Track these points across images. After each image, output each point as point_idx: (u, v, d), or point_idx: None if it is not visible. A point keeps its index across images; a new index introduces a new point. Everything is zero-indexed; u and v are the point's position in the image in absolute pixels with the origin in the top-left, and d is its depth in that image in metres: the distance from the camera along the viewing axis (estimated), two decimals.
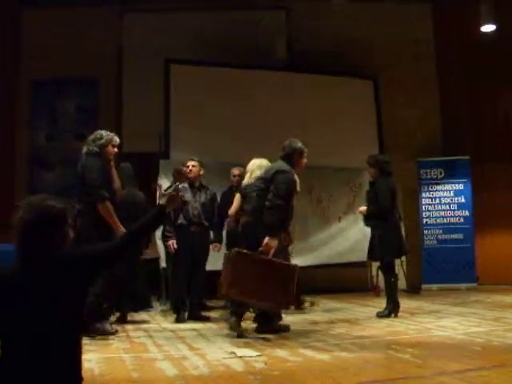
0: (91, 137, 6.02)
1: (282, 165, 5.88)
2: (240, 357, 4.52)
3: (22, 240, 2.40)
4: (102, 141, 5.96)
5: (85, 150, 5.95)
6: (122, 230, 5.45)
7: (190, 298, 7.03)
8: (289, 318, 6.72)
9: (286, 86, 10.39)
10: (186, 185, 7.06)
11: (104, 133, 6.04)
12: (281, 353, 4.73)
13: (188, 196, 6.99)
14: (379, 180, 7.09)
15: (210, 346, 5.13)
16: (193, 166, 7.10)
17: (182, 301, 6.95)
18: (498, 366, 3.97)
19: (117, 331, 5.89)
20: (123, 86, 10.95)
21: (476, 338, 5.15)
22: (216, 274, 7.84)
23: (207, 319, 6.97)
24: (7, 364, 2.32)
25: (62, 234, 2.47)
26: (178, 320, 6.83)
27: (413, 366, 4.18)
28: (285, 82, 10.45)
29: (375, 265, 10.60)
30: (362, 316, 7.17)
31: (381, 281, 10.40)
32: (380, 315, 6.91)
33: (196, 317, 6.95)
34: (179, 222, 6.99)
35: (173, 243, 6.95)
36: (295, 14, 11.35)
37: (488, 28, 10.40)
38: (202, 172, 7.19)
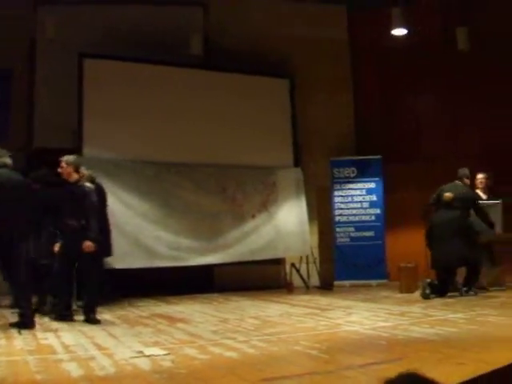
0: None
1: None
2: (148, 356, 4.47)
3: None
4: None
5: None
6: None
7: (84, 300, 6.89)
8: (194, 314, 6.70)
9: (201, 83, 10.35)
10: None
11: None
12: (189, 351, 4.72)
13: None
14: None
15: (118, 346, 5.05)
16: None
17: (65, 302, 6.80)
18: (399, 359, 4.09)
19: None
20: (36, 80, 10.61)
21: (382, 333, 5.31)
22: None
23: (97, 322, 6.54)
24: None
25: None
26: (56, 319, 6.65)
27: (320, 361, 4.25)
28: (200, 80, 10.42)
29: (289, 262, 10.78)
30: (273, 313, 7.24)
31: (294, 278, 10.60)
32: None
33: (89, 320, 6.56)
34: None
35: (56, 245, 6.81)
36: (213, 10, 11.31)
37: (399, 32, 10.64)
38: None
